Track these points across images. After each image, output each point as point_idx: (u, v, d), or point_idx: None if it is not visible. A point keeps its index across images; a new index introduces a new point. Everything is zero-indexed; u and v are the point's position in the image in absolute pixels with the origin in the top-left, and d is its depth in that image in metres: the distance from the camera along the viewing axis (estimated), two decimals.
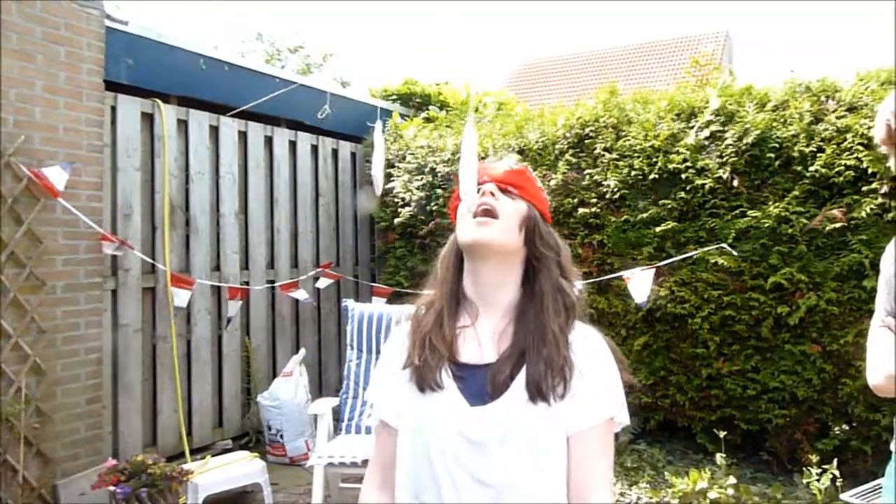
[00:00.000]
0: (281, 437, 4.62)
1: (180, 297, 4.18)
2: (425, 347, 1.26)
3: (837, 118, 3.86)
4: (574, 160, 4.71)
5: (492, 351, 1.25)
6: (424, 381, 1.23)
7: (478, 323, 1.28)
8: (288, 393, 4.65)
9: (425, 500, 1.20)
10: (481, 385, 1.21)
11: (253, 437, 4.98)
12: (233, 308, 4.59)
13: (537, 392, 1.18)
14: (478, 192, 1.32)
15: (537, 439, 1.18)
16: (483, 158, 5.08)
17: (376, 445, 1.35)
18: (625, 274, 4.14)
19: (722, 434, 3.92)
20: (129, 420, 4.21)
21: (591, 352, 1.25)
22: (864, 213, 3.68)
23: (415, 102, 7.06)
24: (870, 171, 3.68)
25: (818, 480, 3.45)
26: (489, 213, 1.27)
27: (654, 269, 4.05)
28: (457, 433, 1.19)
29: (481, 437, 1.18)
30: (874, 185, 3.70)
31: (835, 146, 3.82)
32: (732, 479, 3.62)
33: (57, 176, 3.51)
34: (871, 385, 1.56)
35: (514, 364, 1.21)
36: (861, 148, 3.71)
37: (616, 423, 1.26)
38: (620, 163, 4.49)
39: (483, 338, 1.27)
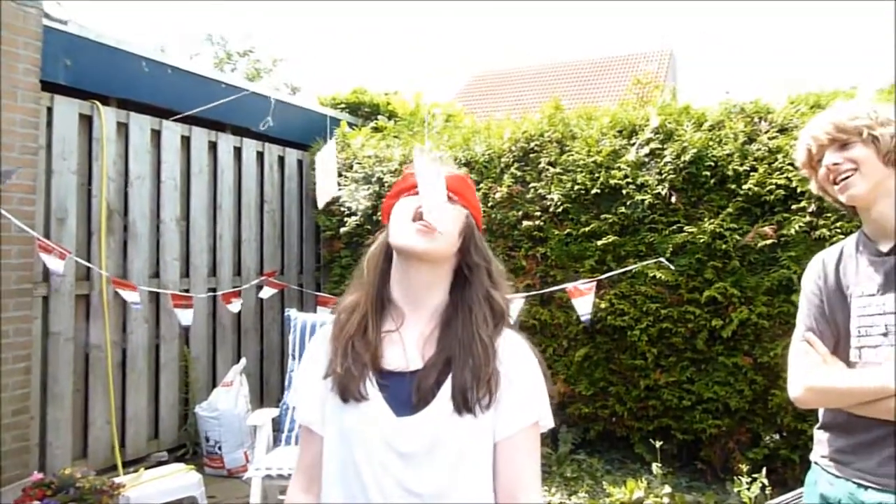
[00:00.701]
0: (219, 448, 4.53)
1: (128, 296, 4.08)
2: (347, 355, 1.23)
3: (769, 139, 4.02)
4: (519, 173, 4.77)
5: (417, 358, 1.23)
6: (347, 391, 1.20)
7: (403, 328, 1.27)
8: (228, 403, 4.56)
9: None
10: (407, 394, 1.20)
11: (190, 449, 4.86)
12: (184, 316, 4.49)
13: (463, 404, 1.17)
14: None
15: (465, 449, 1.18)
16: None
17: (303, 446, 1.34)
18: (567, 286, 4.22)
19: (658, 444, 4.02)
20: (59, 431, 4.06)
21: (516, 358, 1.26)
22: (793, 231, 3.83)
23: (363, 112, 7.05)
24: (799, 190, 3.84)
25: (748, 489, 3.56)
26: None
27: (595, 284, 4.14)
28: (384, 444, 1.18)
29: (408, 448, 1.17)
30: (803, 204, 3.86)
31: (766, 166, 3.97)
32: (668, 489, 3.71)
33: None
34: (792, 398, 1.63)
35: (439, 372, 1.20)
36: (791, 168, 3.87)
37: (541, 427, 1.27)
38: (564, 177, 4.57)
39: (408, 343, 1.25)
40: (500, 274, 1.35)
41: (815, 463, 1.67)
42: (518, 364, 1.26)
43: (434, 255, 1.25)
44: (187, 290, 4.88)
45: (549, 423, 1.27)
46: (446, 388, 1.19)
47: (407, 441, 1.17)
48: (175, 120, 4.92)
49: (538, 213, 4.65)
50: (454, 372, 1.20)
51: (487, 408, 1.19)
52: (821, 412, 1.68)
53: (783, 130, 4.02)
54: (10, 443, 3.62)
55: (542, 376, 1.28)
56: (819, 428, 1.67)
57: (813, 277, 1.67)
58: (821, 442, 1.66)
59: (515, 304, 4.13)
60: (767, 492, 3.56)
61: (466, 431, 1.18)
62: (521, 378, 1.24)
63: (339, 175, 5.64)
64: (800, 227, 3.82)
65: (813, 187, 1.70)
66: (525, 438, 1.22)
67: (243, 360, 4.88)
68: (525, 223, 4.67)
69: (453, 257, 1.30)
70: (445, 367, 1.21)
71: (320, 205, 5.21)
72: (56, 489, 3.17)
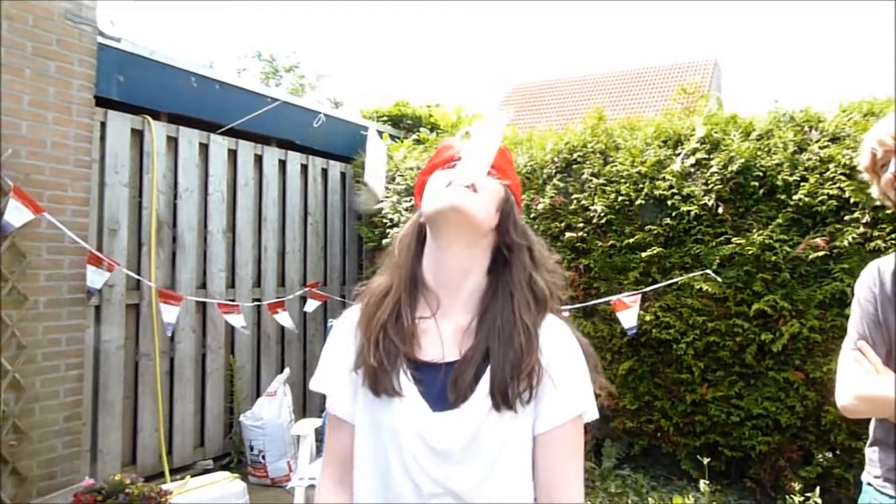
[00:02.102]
0: (263, 457, 4.57)
1: (169, 312, 4.16)
2: (380, 345, 1.15)
3: (821, 148, 3.91)
4: (562, 184, 4.74)
5: (453, 348, 1.16)
6: (380, 385, 1.13)
7: (439, 314, 1.19)
8: (271, 413, 4.61)
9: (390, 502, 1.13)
10: (443, 387, 1.13)
11: (235, 458, 4.92)
12: (237, 320, 4.56)
13: (502, 400, 1.10)
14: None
15: (504, 445, 1.11)
16: None
17: (330, 439, 1.26)
18: (611, 299, 4.17)
19: (706, 460, 3.92)
20: (109, 438, 4.16)
21: (558, 346, 1.18)
22: (846, 242, 3.71)
23: (406, 124, 7.10)
24: (852, 200, 3.73)
25: None
26: (469, 186, 1.16)
27: (640, 296, 4.08)
28: (419, 440, 1.11)
29: (445, 445, 1.11)
30: (856, 215, 3.74)
31: (818, 175, 3.86)
32: None
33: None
34: (839, 406, 1.57)
35: (478, 365, 1.13)
36: (843, 178, 3.76)
37: (585, 419, 1.19)
38: (607, 188, 4.52)
39: (444, 332, 1.17)
40: (543, 254, 1.26)
41: (868, 484, 1.60)
42: (561, 353, 1.17)
43: (472, 217, 1.14)
44: (233, 300, 4.96)
45: (593, 414, 1.18)
46: (484, 382, 1.11)
47: (443, 438, 1.11)
48: (222, 133, 5.02)
49: (581, 225, 4.60)
50: (493, 365, 1.12)
51: (528, 403, 1.12)
52: (871, 428, 1.61)
53: (835, 139, 3.91)
54: (62, 448, 3.72)
55: (587, 364, 1.19)
56: (870, 445, 1.60)
57: (868, 284, 1.61)
58: (872, 461, 1.59)
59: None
60: None
61: (506, 427, 1.11)
62: (564, 368, 1.16)
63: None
64: (853, 238, 3.70)
65: (874, 192, 1.64)
66: (567, 433, 1.14)
67: (287, 370, 4.93)
68: (568, 235, 4.63)
69: (490, 235, 1.20)
70: (484, 359, 1.13)
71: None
72: (106, 495, 3.24)
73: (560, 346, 1.18)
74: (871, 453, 1.59)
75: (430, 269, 1.22)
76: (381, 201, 5.58)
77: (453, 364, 1.14)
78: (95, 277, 3.87)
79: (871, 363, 1.53)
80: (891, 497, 1.51)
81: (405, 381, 1.14)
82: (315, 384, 1.28)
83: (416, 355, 1.16)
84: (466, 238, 1.17)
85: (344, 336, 1.25)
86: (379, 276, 1.27)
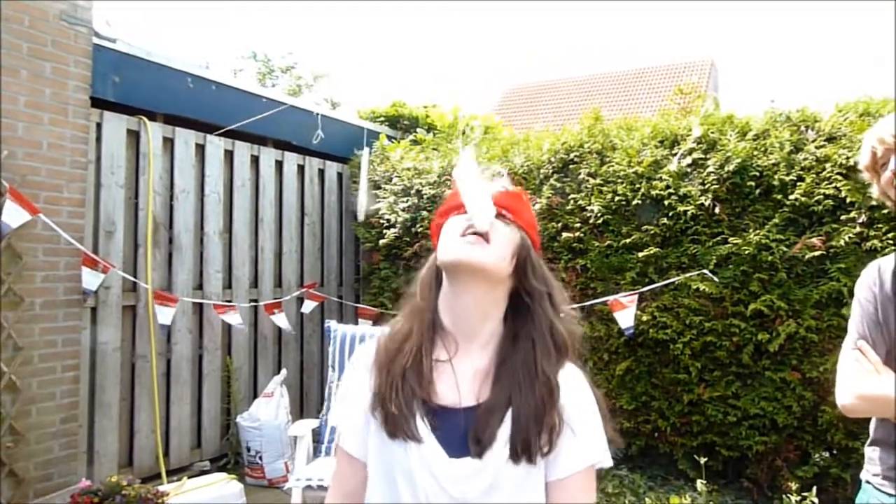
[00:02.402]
0: (260, 458, 4.57)
1: (164, 314, 4.16)
2: (399, 391, 1.14)
3: (817, 148, 3.91)
4: (558, 185, 4.74)
5: (470, 394, 1.15)
6: (398, 429, 1.12)
7: (456, 358, 1.17)
8: (268, 414, 4.60)
9: None
10: (460, 433, 1.12)
11: (232, 459, 4.91)
12: (234, 318, 4.56)
13: (523, 451, 1.10)
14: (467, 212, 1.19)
15: (520, 492, 1.12)
16: None
17: (339, 474, 1.25)
18: (608, 299, 4.17)
19: (703, 460, 3.92)
20: (105, 440, 4.15)
21: (575, 397, 1.18)
22: (842, 242, 3.72)
23: (402, 124, 7.10)
24: (848, 200, 3.73)
25: None
26: (481, 234, 1.15)
27: (636, 297, 4.09)
28: (436, 487, 1.10)
29: (463, 493, 1.09)
30: (853, 215, 3.75)
31: (814, 175, 3.87)
32: None
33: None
34: (840, 405, 1.57)
35: (499, 414, 1.12)
36: (840, 178, 3.77)
37: (598, 466, 1.20)
38: (604, 188, 4.52)
39: (461, 377, 1.16)
40: (563, 300, 1.25)
41: (867, 482, 1.60)
42: (578, 403, 1.17)
43: (484, 269, 1.14)
44: (230, 301, 4.95)
45: (607, 462, 1.19)
46: (504, 431, 1.11)
47: (462, 486, 1.10)
48: (218, 134, 5.02)
49: (578, 225, 4.61)
50: (514, 416, 1.11)
51: (547, 455, 1.12)
52: (872, 428, 1.61)
53: (831, 139, 3.92)
54: (59, 450, 3.71)
55: (599, 414, 1.20)
56: (870, 444, 1.61)
57: (868, 284, 1.60)
58: (872, 460, 1.59)
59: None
60: None
61: (523, 476, 1.11)
62: (581, 419, 1.16)
63: (378, 188, 5.69)
64: (850, 238, 3.71)
65: (874, 192, 1.63)
66: (581, 480, 1.15)
67: (284, 371, 4.93)
68: (565, 235, 4.63)
69: (508, 281, 1.19)
70: (504, 408, 1.12)
71: (360, 216, 5.23)
72: (103, 496, 3.23)
73: (578, 396, 1.18)
74: (871, 452, 1.59)
75: (447, 312, 1.21)
76: (375, 198, 5.58)
77: (470, 409, 1.14)
78: (91, 279, 3.86)
79: (871, 363, 1.53)
80: (890, 495, 1.51)
81: (422, 427, 1.12)
82: (332, 418, 1.27)
83: (432, 399, 1.14)
84: (481, 287, 1.17)
85: (361, 375, 1.23)
86: (400, 316, 1.26)
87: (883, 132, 1.55)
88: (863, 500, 1.60)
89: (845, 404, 1.55)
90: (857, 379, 1.54)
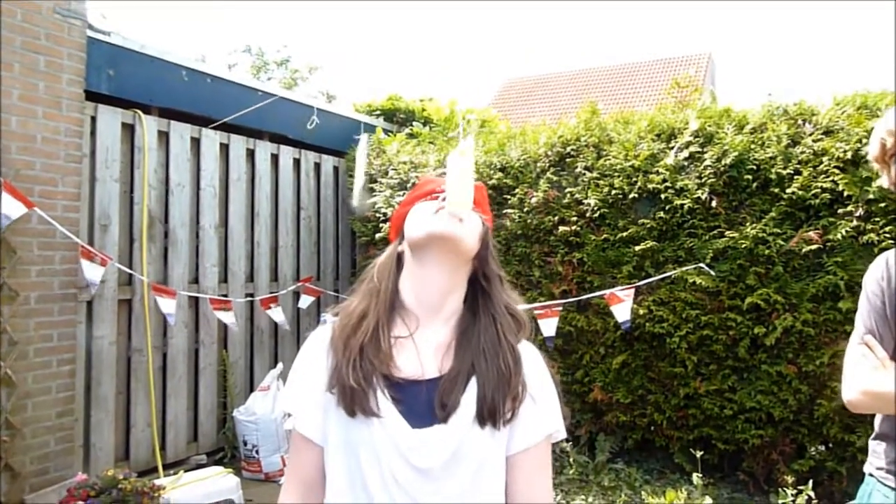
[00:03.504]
0: (256, 452, 4.57)
1: (166, 305, 4.13)
2: (357, 365, 1.15)
3: (814, 141, 3.91)
4: (555, 178, 4.73)
5: (432, 366, 1.18)
6: (356, 405, 1.13)
7: (417, 333, 1.21)
8: (265, 408, 4.60)
9: None
10: (424, 404, 1.14)
11: (228, 453, 4.91)
12: (227, 317, 4.53)
13: (489, 416, 1.13)
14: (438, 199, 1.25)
15: (483, 462, 1.14)
16: None
17: (294, 459, 1.24)
18: (605, 293, 4.17)
19: (699, 454, 3.93)
20: (102, 434, 4.14)
21: (533, 369, 1.23)
22: (839, 236, 3.72)
23: (399, 118, 7.07)
24: (846, 193, 3.73)
25: (794, 501, 3.46)
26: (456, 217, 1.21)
27: (633, 290, 4.08)
28: (399, 459, 1.11)
29: (427, 463, 1.11)
30: (850, 208, 3.75)
31: (811, 169, 3.87)
32: (709, 500, 3.63)
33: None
34: (845, 401, 1.57)
35: (463, 382, 1.16)
36: (837, 171, 3.76)
37: (554, 439, 1.25)
38: (601, 182, 4.52)
39: (423, 350, 1.19)
40: (510, 287, 1.33)
41: (870, 475, 1.60)
42: (535, 376, 1.23)
43: (461, 240, 1.19)
44: (225, 296, 4.94)
45: (562, 434, 1.25)
46: (469, 398, 1.14)
47: (425, 456, 1.11)
48: (214, 128, 4.99)
49: (575, 219, 4.60)
50: (480, 381, 1.15)
51: (510, 421, 1.17)
52: (877, 422, 1.61)
53: (828, 132, 3.91)
54: (55, 444, 3.70)
55: (553, 386, 1.26)
56: (875, 438, 1.61)
57: (876, 278, 1.59)
58: (876, 453, 1.59)
59: (550, 323, 4.12)
60: None
61: (485, 444, 1.15)
62: (538, 390, 1.22)
63: (375, 181, 5.67)
64: (846, 231, 3.71)
65: (884, 182, 1.61)
66: (539, 452, 1.20)
67: (280, 365, 4.92)
68: (561, 228, 4.62)
69: (469, 265, 1.26)
70: (466, 375, 1.16)
71: (355, 202, 5.14)
72: (99, 490, 3.22)
73: (535, 369, 1.24)
74: (876, 445, 1.60)
75: (409, 291, 1.24)
76: (371, 192, 5.56)
77: (434, 381, 1.16)
78: (92, 272, 3.83)
79: (878, 358, 1.52)
80: (892, 488, 1.52)
81: (383, 400, 1.14)
82: (283, 403, 1.26)
83: (393, 373, 1.16)
84: (452, 262, 1.21)
85: (316, 356, 1.24)
86: (354, 298, 1.28)
87: (893, 124, 1.54)
88: (865, 492, 1.61)
89: (851, 400, 1.55)
90: (862, 374, 1.53)
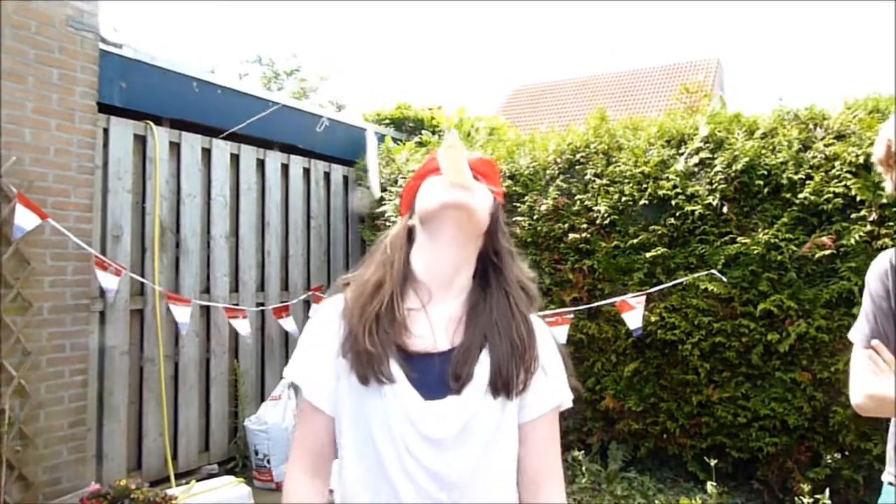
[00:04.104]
0: (268, 461, 4.57)
1: (180, 313, 4.13)
2: (373, 332, 1.15)
3: (826, 146, 3.89)
4: (565, 185, 4.73)
5: (444, 339, 1.19)
6: (371, 371, 1.13)
7: (430, 306, 1.21)
8: (276, 417, 4.60)
9: (383, 499, 1.14)
10: (437, 376, 1.15)
11: (240, 462, 4.91)
12: (241, 326, 4.52)
13: (503, 386, 1.15)
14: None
15: (495, 431, 1.16)
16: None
17: (304, 428, 1.24)
18: (615, 300, 4.15)
19: (713, 462, 3.89)
20: (114, 443, 4.15)
21: (542, 341, 1.25)
22: (853, 241, 3.69)
23: (407, 127, 7.09)
24: (858, 198, 3.70)
25: None
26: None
27: (644, 297, 4.06)
28: (412, 429, 1.12)
29: (439, 433, 1.12)
30: (863, 213, 3.72)
31: (823, 174, 3.84)
32: None
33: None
34: (853, 404, 1.56)
35: (476, 354, 1.17)
36: (849, 176, 3.74)
37: (562, 407, 1.28)
38: (611, 188, 4.50)
39: (435, 323, 1.20)
40: (521, 261, 1.34)
41: (890, 484, 1.58)
42: (547, 347, 1.25)
43: (472, 209, 1.19)
44: (237, 305, 4.95)
45: (569, 403, 1.28)
46: (482, 369, 1.16)
47: (438, 426, 1.12)
48: (224, 138, 5.02)
49: (585, 226, 4.59)
50: (493, 353, 1.17)
51: (522, 392, 1.18)
52: (892, 427, 1.59)
53: (840, 137, 3.89)
54: (68, 454, 3.71)
55: (560, 356, 1.29)
56: (894, 446, 1.58)
57: (880, 277, 1.58)
58: (893, 461, 1.57)
59: (561, 331, 4.05)
60: None
61: (497, 414, 1.16)
62: (548, 361, 1.24)
63: (384, 190, 5.68)
64: (860, 236, 3.68)
65: (889, 187, 1.60)
66: (549, 421, 1.23)
67: None
68: (571, 236, 4.61)
69: (480, 239, 1.26)
70: (478, 348, 1.17)
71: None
72: (112, 500, 3.24)
73: (544, 340, 1.26)
74: (892, 452, 1.58)
75: (422, 264, 1.24)
76: (381, 200, 5.56)
77: (446, 353, 1.17)
78: (107, 281, 3.84)
79: (886, 361, 1.50)
80: None
81: (396, 370, 1.14)
82: (290, 372, 1.25)
83: (406, 345, 1.17)
84: (466, 234, 1.22)
85: (327, 325, 1.24)
86: (367, 269, 1.28)
87: None
88: (885, 502, 1.58)
89: (858, 404, 1.54)
90: (869, 378, 1.52)
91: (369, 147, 4.49)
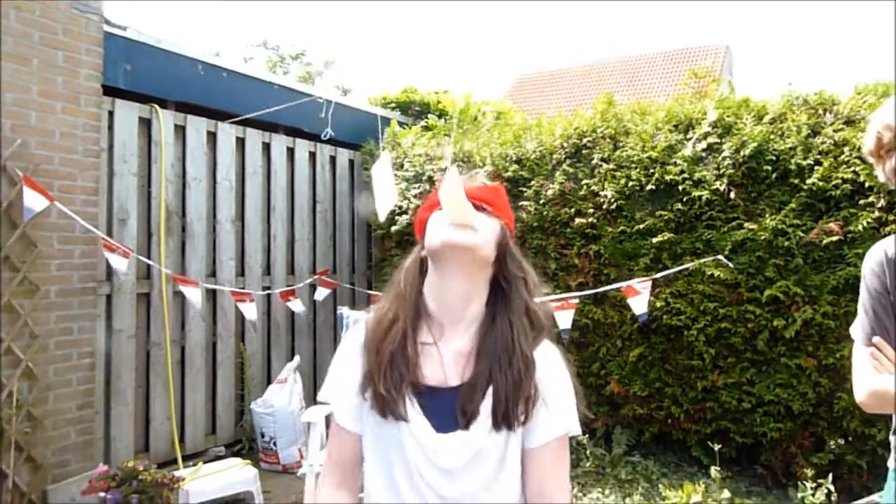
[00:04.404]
0: (274, 444, 4.60)
1: (192, 294, 4.11)
2: (387, 374, 1.23)
3: (835, 131, 3.86)
4: (571, 170, 4.71)
5: (454, 374, 1.25)
6: (387, 409, 1.22)
7: (441, 341, 1.27)
8: (282, 400, 4.63)
9: None
10: (448, 410, 1.22)
11: (246, 445, 4.95)
12: (248, 310, 4.50)
13: (503, 420, 1.21)
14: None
15: (501, 460, 1.23)
16: (481, 167, 5.09)
17: (334, 446, 1.35)
18: (621, 285, 4.14)
19: (717, 447, 3.90)
20: (122, 426, 4.19)
21: (550, 369, 1.28)
22: (860, 227, 3.67)
23: (414, 111, 7.06)
24: (867, 184, 3.68)
25: (813, 495, 3.44)
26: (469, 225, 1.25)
27: (650, 283, 4.05)
28: (425, 460, 1.21)
29: (450, 464, 1.21)
30: (871, 199, 3.70)
31: (832, 159, 3.81)
32: (727, 493, 3.60)
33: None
34: (858, 402, 1.56)
35: (482, 390, 1.23)
36: (858, 161, 3.71)
37: (569, 434, 1.30)
38: (618, 173, 4.48)
39: (446, 358, 1.26)
40: (536, 285, 1.35)
41: (895, 470, 1.58)
42: (552, 376, 1.28)
43: (473, 248, 1.23)
44: (243, 289, 4.96)
45: (577, 431, 1.31)
46: (486, 405, 1.22)
47: (448, 458, 1.21)
48: (230, 122, 5.01)
49: (591, 211, 4.57)
50: (495, 389, 1.22)
51: (524, 423, 1.24)
52: (895, 416, 1.58)
53: (850, 122, 3.85)
54: (76, 436, 3.74)
55: (572, 386, 1.31)
56: (895, 433, 1.58)
57: (875, 271, 1.55)
58: None
59: (566, 316, 3.99)
60: (833, 499, 3.43)
61: (503, 444, 1.23)
62: (555, 390, 1.27)
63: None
64: (868, 223, 3.66)
65: (880, 176, 1.58)
66: (555, 447, 1.26)
67: (297, 358, 4.94)
68: (578, 221, 4.60)
69: (489, 267, 1.29)
70: (485, 383, 1.23)
71: (382, 217, 4.73)
72: (120, 481, 3.26)
73: (553, 369, 1.29)
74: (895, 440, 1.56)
75: (433, 298, 1.30)
76: (391, 217, 5.44)
77: (455, 389, 1.24)
78: (118, 262, 3.82)
79: (887, 357, 1.49)
80: None
81: (410, 407, 1.23)
82: (324, 395, 1.37)
83: (420, 380, 1.24)
84: (470, 270, 1.26)
85: (352, 356, 1.33)
86: (385, 302, 1.35)
87: (889, 117, 1.50)
88: (892, 489, 1.58)
89: (861, 401, 1.53)
90: (870, 375, 1.51)
91: (382, 167, 4.25)
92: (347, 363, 1.33)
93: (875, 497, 1.72)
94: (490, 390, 1.22)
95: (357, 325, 1.39)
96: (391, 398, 1.21)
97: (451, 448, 1.21)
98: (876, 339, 1.52)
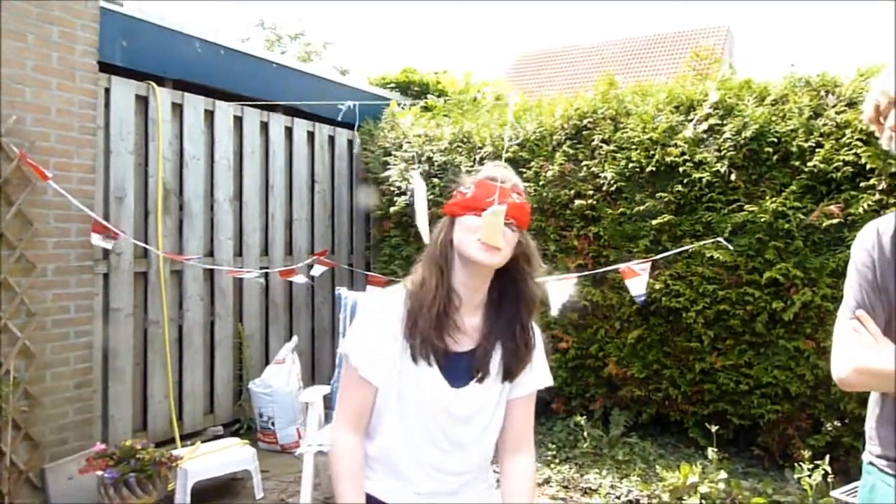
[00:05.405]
0: (272, 424, 4.61)
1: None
2: (431, 326, 1.53)
3: (837, 113, 3.83)
4: (571, 151, 4.68)
5: (469, 341, 1.61)
6: (425, 354, 1.53)
7: (463, 311, 1.61)
8: (280, 380, 4.63)
9: (412, 451, 1.59)
10: (463, 369, 1.59)
11: (244, 424, 4.96)
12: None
13: (507, 376, 1.63)
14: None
15: (495, 408, 1.65)
16: (480, 148, 5.06)
17: (352, 393, 1.60)
18: (620, 267, 4.12)
19: (714, 428, 3.91)
20: (120, 405, 4.19)
21: (536, 340, 1.69)
22: (861, 210, 3.65)
23: (413, 91, 7.01)
24: (868, 167, 3.66)
25: (809, 476, 3.45)
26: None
27: (649, 264, 4.04)
28: (440, 408, 1.57)
29: (463, 412, 1.59)
30: (872, 182, 3.68)
31: (833, 141, 3.79)
32: (723, 474, 3.62)
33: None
34: (836, 379, 1.47)
35: (491, 353, 1.61)
36: (860, 144, 3.69)
37: (543, 385, 1.72)
38: (618, 155, 4.46)
39: (465, 329, 1.60)
40: (538, 260, 1.66)
41: (870, 464, 1.49)
42: (537, 343, 1.69)
43: (494, 266, 1.56)
44: (240, 269, 4.94)
45: (550, 382, 1.73)
46: (494, 365, 1.61)
47: (462, 407, 1.59)
48: (227, 100, 4.96)
49: (591, 192, 4.55)
50: (504, 354, 1.62)
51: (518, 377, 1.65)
52: (873, 403, 1.51)
53: (852, 104, 3.82)
54: (74, 415, 3.74)
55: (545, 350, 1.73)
56: (875, 423, 1.48)
57: (866, 248, 1.49)
58: (875, 439, 1.48)
59: (564, 288, 3.93)
60: (829, 480, 3.44)
61: (499, 395, 1.65)
62: (537, 356, 1.69)
63: (389, 154, 5.64)
64: (868, 205, 3.64)
65: (883, 143, 1.54)
66: (531, 399, 1.71)
67: (295, 338, 4.94)
68: (577, 202, 4.58)
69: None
70: (496, 348, 1.61)
71: (426, 238, 4.26)
72: (118, 460, 3.26)
73: (537, 338, 1.70)
74: (875, 430, 1.48)
75: (458, 277, 1.60)
76: (385, 165, 5.52)
77: (468, 352, 1.60)
78: (103, 243, 3.81)
79: (871, 333, 1.43)
80: (895, 476, 1.41)
81: (434, 364, 1.56)
82: (346, 347, 1.59)
83: (445, 344, 1.56)
84: (488, 273, 1.60)
85: (390, 309, 1.59)
86: (422, 268, 1.62)
87: (886, 84, 1.45)
88: (867, 484, 1.50)
89: (843, 377, 1.45)
90: (855, 351, 1.44)
91: (417, 191, 4.07)
92: (382, 319, 1.58)
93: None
94: (497, 353, 1.61)
95: (391, 288, 1.69)
96: (435, 345, 1.53)
97: (462, 399, 1.57)
98: (859, 311, 1.46)
